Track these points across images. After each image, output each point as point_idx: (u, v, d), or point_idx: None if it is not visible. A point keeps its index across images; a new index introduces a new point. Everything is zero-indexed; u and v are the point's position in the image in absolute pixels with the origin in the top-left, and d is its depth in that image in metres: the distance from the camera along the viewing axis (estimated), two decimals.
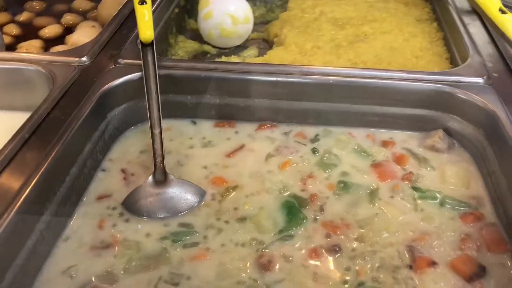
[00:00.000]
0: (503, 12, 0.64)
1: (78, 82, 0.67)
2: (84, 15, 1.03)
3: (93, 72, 0.69)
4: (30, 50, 0.89)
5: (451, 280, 0.51)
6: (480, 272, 0.51)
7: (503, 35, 0.65)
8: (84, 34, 0.89)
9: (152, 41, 0.67)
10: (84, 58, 0.71)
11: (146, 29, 0.66)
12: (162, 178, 0.60)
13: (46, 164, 0.53)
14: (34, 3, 1.07)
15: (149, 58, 0.66)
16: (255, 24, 1.02)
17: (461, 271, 0.51)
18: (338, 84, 0.69)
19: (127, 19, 0.83)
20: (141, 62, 0.65)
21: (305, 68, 0.73)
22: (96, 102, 0.64)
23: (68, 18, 0.99)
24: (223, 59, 0.87)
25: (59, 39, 0.95)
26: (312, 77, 0.70)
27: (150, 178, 0.60)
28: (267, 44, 0.95)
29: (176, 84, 0.71)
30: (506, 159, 0.58)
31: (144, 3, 0.71)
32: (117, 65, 0.71)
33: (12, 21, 1.01)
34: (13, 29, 0.98)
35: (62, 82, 0.66)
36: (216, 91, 0.71)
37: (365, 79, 0.69)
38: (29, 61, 0.70)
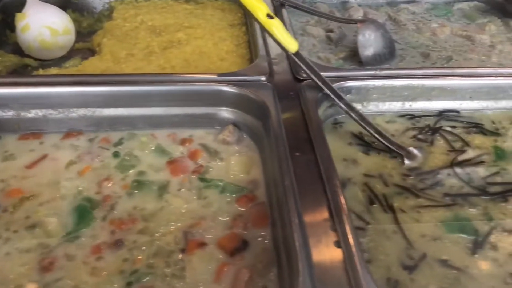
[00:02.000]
0: (270, 17, 0.73)
1: None
2: None
3: None
4: None
5: (216, 257, 0.58)
6: (242, 246, 0.59)
7: (273, 38, 0.74)
8: None
9: None
10: None
11: None
12: None
13: None
14: None
15: None
16: (83, 34, 1.04)
17: (225, 247, 0.59)
18: (137, 90, 0.74)
19: None
20: None
21: (109, 76, 0.78)
22: None
23: None
24: (41, 72, 0.88)
25: None
26: (115, 85, 0.74)
27: None
28: (92, 53, 0.98)
29: None
30: (272, 145, 0.67)
31: None
32: None
33: None
34: None
35: None
36: (18, 104, 0.72)
37: (158, 84, 0.75)
38: None
